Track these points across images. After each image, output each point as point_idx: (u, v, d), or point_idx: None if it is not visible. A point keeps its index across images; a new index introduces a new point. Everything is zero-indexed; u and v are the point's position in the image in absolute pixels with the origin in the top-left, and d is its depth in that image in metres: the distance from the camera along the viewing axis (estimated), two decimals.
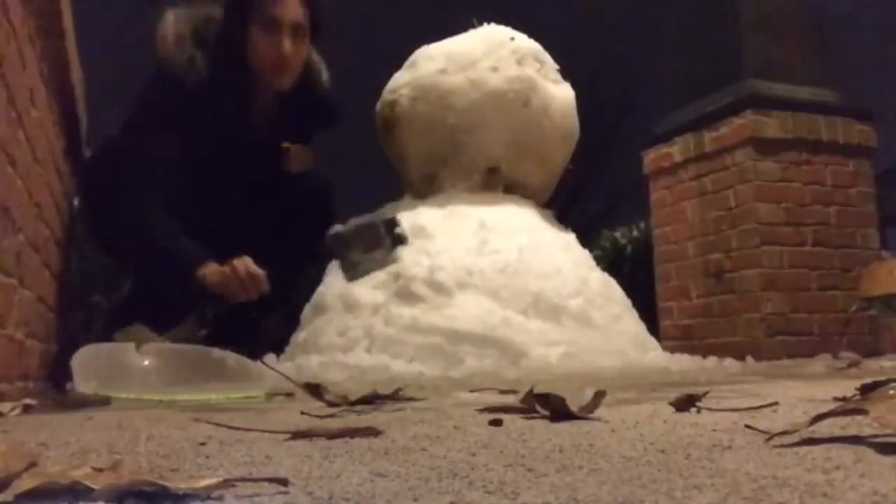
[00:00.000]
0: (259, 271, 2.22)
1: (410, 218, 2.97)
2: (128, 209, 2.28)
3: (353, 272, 2.48)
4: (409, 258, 2.78)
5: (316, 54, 2.57)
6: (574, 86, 3.39)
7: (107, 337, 2.34)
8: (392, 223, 2.43)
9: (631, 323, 2.97)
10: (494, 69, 3.13)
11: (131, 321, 2.36)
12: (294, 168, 2.57)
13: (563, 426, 0.95)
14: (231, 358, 1.91)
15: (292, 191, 2.56)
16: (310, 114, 2.57)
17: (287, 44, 2.39)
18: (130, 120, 2.47)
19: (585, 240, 3.51)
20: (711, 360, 2.89)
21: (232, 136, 2.40)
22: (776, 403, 1.07)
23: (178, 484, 0.54)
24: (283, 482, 0.56)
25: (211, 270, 2.21)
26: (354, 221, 2.45)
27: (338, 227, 2.42)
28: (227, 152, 2.40)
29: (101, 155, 2.61)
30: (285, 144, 2.56)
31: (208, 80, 2.34)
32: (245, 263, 2.21)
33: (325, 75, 2.61)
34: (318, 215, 2.60)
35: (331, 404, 1.31)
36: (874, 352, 3.63)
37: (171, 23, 2.37)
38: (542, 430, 0.92)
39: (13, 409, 1.30)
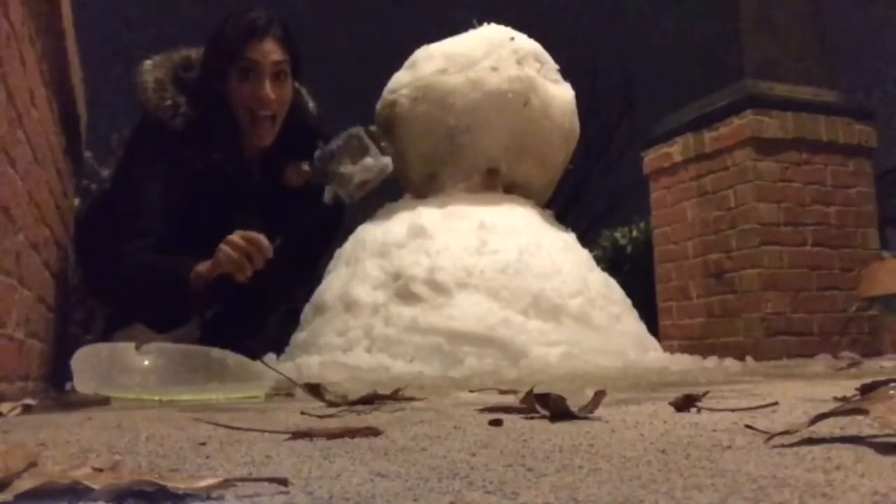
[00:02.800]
0: (256, 234, 2.17)
1: (410, 218, 2.97)
2: (120, 259, 2.24)
3: (348, 188, 2.43)
4: (409, 258, 2.78)
5: (299, 86, 2.52)
6: (574, 86, 3.39)
7: (107, 337, 2.34)
8: (370, 131, 2.42)
9: (631, 323, 2.97)
10: (494, 69, 3.13)
11: (131, 321, 2.36)
12: (296, 183, 2.51)
13: (563, 426, 0.95)
14: (231, 358, 1.91)
15: (296, 221, 2.47)
16: (302, 148, 2.49)
17: (268, 86, 2.34)
18: (120, 169, 2.46)
19: (585, 240, 3.51)
20: (711, 360, 2.89)
21: (222, 180, 2.37)
22: (776, 403, 1.07)
23: (178, 484, 0.54)
24: (283, 482, 0.56)
25: (205, 264, 2.18)
26: (335, 140, 2.42)
27: (321, 149, 2.40)
28: (219, 193, 2.36)
29: (92, 208, 2.62)
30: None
31: (194, 124, 2.32)
32: (238, 234, 2.17)
33: (311, 105, 2.58)
34: (317, 242, 2.62)
35: (331, 404, 1.31)
36: (874, 352, 3.63)
37: (149, 70, 2.36)
38: (542, 430, 0.92)
39: (13, 409, 1.30)
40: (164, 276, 2.23)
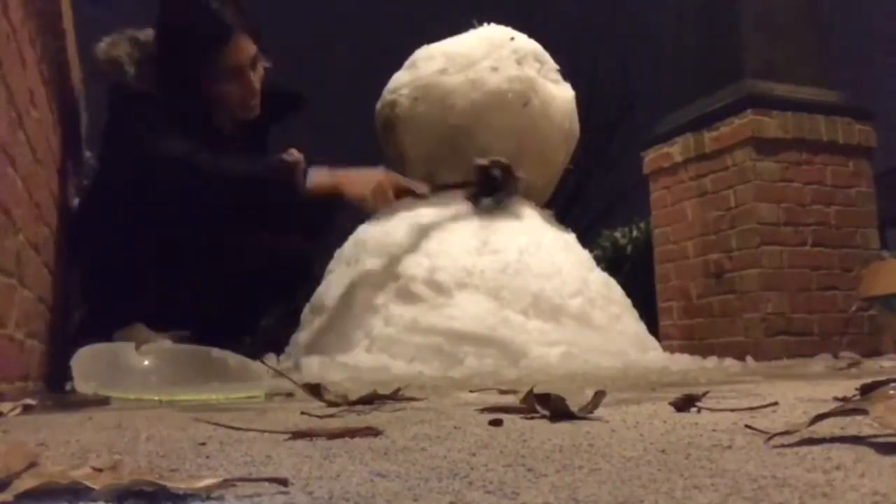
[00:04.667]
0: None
1: (410, 218, 2.97)
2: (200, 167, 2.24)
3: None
4: (409, 258, 2.78)
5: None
6: (574, 86, 3.39)
7: (106, 337, 2.34)
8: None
9: (631, 323, 2.97)
10: (494, 69, 3.13)
11: (130, 321, 2.36)
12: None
13: (563, 426, 0.95)
14: (231, 358, 1.91)
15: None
16: (273, 107, 2.56)
17: (255, 81, 2.41)
18: (114, 143, 2.38)
19: (585, 240, 3.51)
20: (711, 360, 2.89)
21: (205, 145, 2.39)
22: (776, 403, 1.07)
23: (178, 484, 0.54)
24: (283, 482, 0.56)
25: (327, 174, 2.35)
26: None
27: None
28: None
29: (87, 201, 2.58)
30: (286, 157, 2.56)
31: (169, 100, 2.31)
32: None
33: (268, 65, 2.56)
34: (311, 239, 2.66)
35: (331, 404, 1.31)
36: (874, 352, 3.62)
37: (114, 45, 2.35)
38: (542, 430, 0.92)
39: (13, 409, 1.30)
40: (273, 174, 2.32)
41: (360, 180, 2.40)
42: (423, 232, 2.86)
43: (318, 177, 2.35)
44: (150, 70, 2.33)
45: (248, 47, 2.39)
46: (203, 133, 2.37)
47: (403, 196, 2.51)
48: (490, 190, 2.65)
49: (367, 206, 2.42)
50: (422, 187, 2.46)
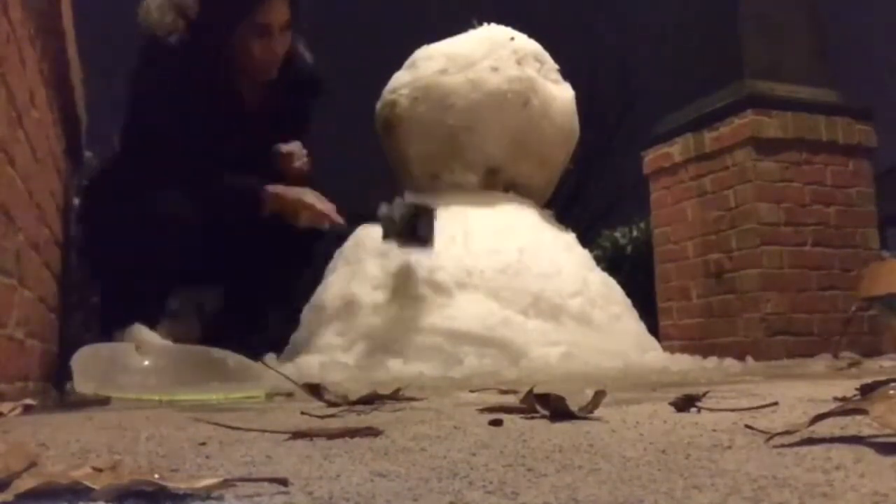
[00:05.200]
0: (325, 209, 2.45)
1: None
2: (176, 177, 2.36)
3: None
4: (409, 258, 2.77)
5: (300, 39, 2.63)
6: (574, 86, 3.39)
7: (106, 337, 2.34)
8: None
9: (631, 323, 2.97)
10: (494, 69, 3.13)
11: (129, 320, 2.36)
12: (286, 167, 2.63)
13: (563, 426, 0.95)
14: (231, 358, 1.91)
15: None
16: (296, 87, 2.65)
17: (279, 46, 2.49)
18: (136, 103, 2.49)
19: (585, 240, 3.50)
20: (711, 360, 2.89)
21: (223, 111, 2.49)
22: (776, 403, 1.07)
23: (178, 484, 0.54)
24: (283, 482, 0.56)
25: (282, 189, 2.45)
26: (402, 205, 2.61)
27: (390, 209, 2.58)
28: (221, 123, 2.48)
29: (107, 166, 2.67)
30: (280, 147, 2.61)
31: (196, 52, 2.40)
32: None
33: (307, 55, 2.68)
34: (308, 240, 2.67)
35: (331, 404, 1.31)
36: (874, 352, 3.62)
37: (147, 10, 2.43)
38: (542, 430, 0.92)
39: (13, 409, 1.30)
40: (237, 187, 2.44)
41: (293, 196, 2.48)
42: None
43: (268, 197, 2.46)
44: (185, 30, 2.43)
45: (282, 12, 2.46)
46: (224, 102, 2.47)
47: (321, 221, 2.53)
48: (411, 229, 2.58)
49: (303, 219, 2.48)
50: (339, 218, 2.50)
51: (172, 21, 2.41)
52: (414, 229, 2.56)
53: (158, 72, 2.42)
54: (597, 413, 1.04)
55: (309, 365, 2.45)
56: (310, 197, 2.47)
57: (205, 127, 2.41)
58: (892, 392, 0.75)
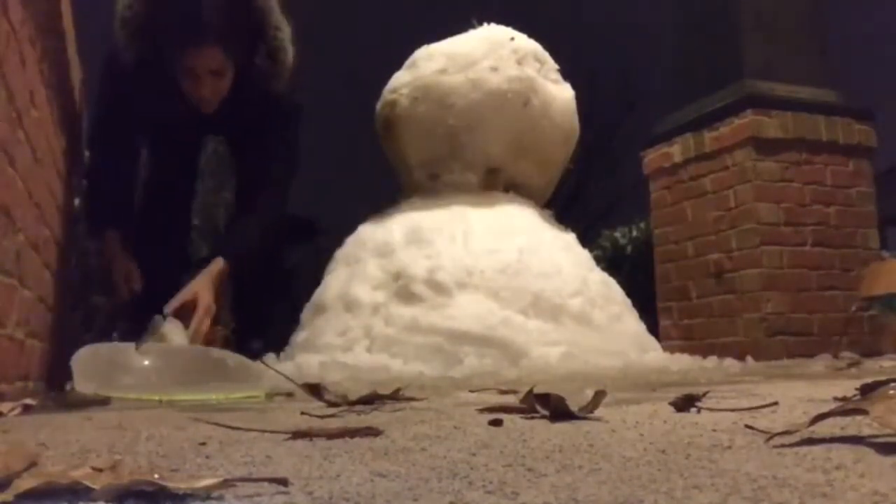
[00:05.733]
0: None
1: (410, 218, 2.97)
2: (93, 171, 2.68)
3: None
4: (409, 258, 2.78)
5: (283, 38, 2.48)
6: (574, 86, 3.39)
7: (107, 337, 2.34)
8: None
9: (631, 323, 2.97)
10: (494, 69, 3.13)
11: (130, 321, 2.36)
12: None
13: (563, 426, 0.95)
14: (231, 358, 1.91)
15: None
16: (256, 110, 2.53)
17: (206, 88, 2.41)
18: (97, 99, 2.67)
19: (585, 240, 3.51)
20: (711, 360, 2.89)
21: (177, 120, 2.56)
22: (776, 403, 1.07)
23: (178, 484, 0.54)
24: (283, 482, 0.56)
25: (114, 250, 2.55)
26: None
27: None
28: (177, 128, 2.61)
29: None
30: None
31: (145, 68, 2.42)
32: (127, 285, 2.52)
33: (284, 61, 2.49)
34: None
35: (331, 404, 1.30)
36: (874, 352, 3.62)
37: (121, 7, 2.39)
38: (542, 430, 0.92)
39: (13, 409, 1.30)
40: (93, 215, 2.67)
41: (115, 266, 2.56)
42: (424, 231, 2.86)
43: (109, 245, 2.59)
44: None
45: (213, 59, 2.35)
46: (180, 101, 2.48)
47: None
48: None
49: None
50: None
51: (125, 45, 2.39)
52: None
53: (109, 88, 2.55)
54: (597, 413, 1.04)
55: (309, 365, 2.45)
56: (130, 280, 2.52)
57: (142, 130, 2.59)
58: (892, 392, 0.75)
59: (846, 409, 0.76)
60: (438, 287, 2.67)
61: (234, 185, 3.07)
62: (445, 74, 3.14)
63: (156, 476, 0.55)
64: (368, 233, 3.03)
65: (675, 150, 4.34)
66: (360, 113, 3.56)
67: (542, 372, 2.32)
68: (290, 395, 1.72)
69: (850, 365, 2.53)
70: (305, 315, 2.95)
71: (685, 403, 1.08)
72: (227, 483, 0.55)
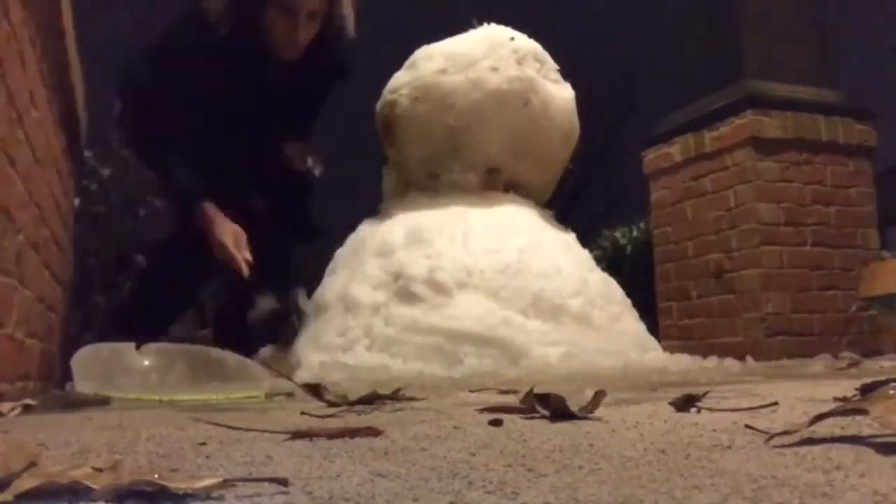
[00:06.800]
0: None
1: (410, 218, 2.97)
2: (154, 144, 2.57)
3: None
4: (409, 258, 2.78)
5: (345, 18, 2.64)
6: (574, 86, 3.39)
7: (107, 337, 2.34)
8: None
9: (631, 323, 2.97)
10: (494, 69, 3.13)
11: (131, 321, 2.36)
12: (295, 165, 2.74)
13: (563, 426, 0.95)
14: (231, 358, 1.91)
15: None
16: (322, 70, 2.69)
17: (301, 32, 2.51)
18: (158, 53, 2.58)
19: (585, 240, 3.50)
20: (711, 360, 2.89)
21: (249, 81, 2.56)
22: (776, 403, 1.07)
23: (178, 484, 0.54)
24: (283, 482, 0.56)
25: (211, 216, 2.49)
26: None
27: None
28: (246, 90, 2.57)
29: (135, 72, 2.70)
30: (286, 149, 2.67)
31: (229, 35, 2.47)
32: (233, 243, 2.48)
33: (349, 28, 2.66)
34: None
35: (331, 404, 1.31)
36: (874, 352, 3.62)
37: None
38: (542, 430, 0.92)
39: (13, 409, 1.30)
40: (184, 187, 2.55)
41: (218, 230, 2.52)
42: (424, 231, 2.86)
43: (199, 215, 2.53)
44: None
45: (312, 1, 2.50)
46: (245, 74, 2.53)
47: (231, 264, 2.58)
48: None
49: (216, 251, 2.53)
50: (244, 270, 2.51)
51: (221, 11, 2.47)
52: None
53: (184, 50, 2.50)
54: (597, 413, 1.04)
55: (309, 365, 2.45)
56: (228, 238, 2.49)
57: (211, 98, 2.50)
58: (892, 392, 0.75)
59: (846, 409, 0.76)
60: (438, 287, 2.67)
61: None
62: (445, 74, 3.14)
63: (156, 476, 0.55)
64: (368, 233, 3.03)
65: (675, 150, 4.34)
66: (359, 113, 3.55)
67: (542, 372, 2.31)
68: (290, 395, 1.72)
69: (850, 365, 2.53)
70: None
71: (685, 403, 1.08)
72: (227, 483, 0.55)
